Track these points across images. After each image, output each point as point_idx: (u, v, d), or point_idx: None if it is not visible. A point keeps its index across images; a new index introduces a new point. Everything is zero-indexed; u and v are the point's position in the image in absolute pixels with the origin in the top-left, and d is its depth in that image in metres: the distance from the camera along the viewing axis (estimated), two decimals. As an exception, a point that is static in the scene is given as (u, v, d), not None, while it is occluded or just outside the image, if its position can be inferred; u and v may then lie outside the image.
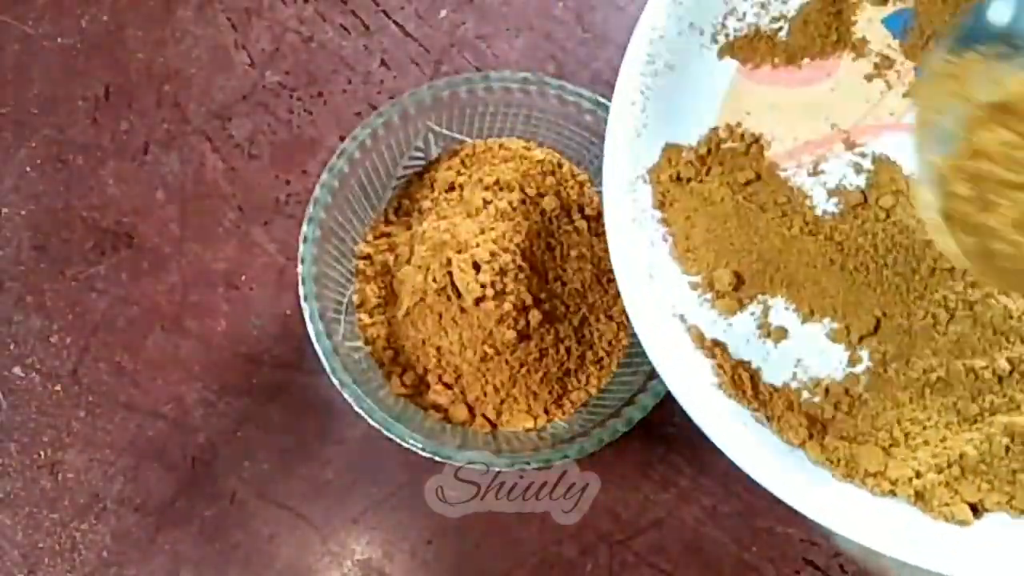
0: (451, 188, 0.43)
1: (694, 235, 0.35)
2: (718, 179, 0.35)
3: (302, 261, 0.40)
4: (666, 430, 0.45)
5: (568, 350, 0.41)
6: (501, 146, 0.44)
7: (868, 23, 0.36)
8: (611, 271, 0.42)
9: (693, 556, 0.44)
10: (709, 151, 0.35)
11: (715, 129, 0.36)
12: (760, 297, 0.34)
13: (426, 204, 0.43)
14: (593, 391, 0.41)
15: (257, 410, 0.46)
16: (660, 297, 0.34)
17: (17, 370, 0.46)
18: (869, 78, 0.35)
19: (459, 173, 0.43)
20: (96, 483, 0.45)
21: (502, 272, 0.39)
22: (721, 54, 0.36)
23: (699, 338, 0.34)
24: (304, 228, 0.40)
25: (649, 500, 0.44)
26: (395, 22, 0.50)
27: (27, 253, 0.48)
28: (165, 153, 0.49)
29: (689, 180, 0.35)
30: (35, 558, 0.44)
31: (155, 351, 0.46)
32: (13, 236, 0.48)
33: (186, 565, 0.44)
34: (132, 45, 0.50)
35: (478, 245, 0.40)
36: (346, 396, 0.38)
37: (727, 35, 0.36)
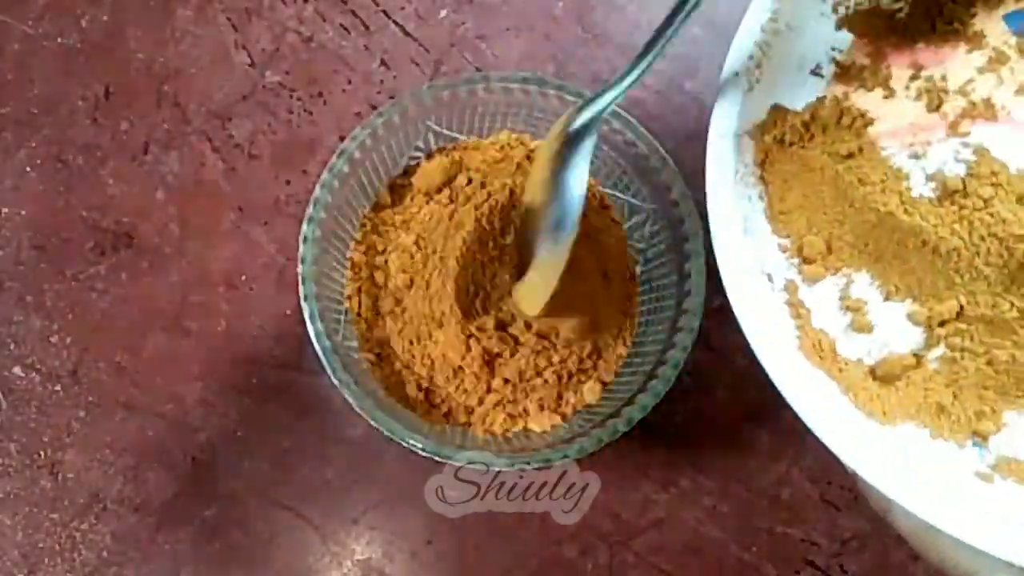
0: (442, 187, 0.43)
1: (789, 198, 0.35)
2: (820, 147, 0.35)
3: (302, 261, 0.40)
4: (666, 430, 0.45)
5: (568, 351, 0.41)
6: (495, 143, 0.44)
7: (987, 17, 0.36)
8: (612, 271, 0.42)
9: (693, 556, 0.44)
10: (814, 118, 0.36)
11: (823, 99, 0.36)
12: (845, 269, 0.35)
13: (414, 207, 0.43)
14: (594, 392, 0.41)
15: (257, 410, 0.46)
16: (751, 252, 0.34)
17: (17, 370, 0.46)
18: (981, 71, 0.35)
19: (451, 170, 0.43)
20: (96, 483, 0.45)
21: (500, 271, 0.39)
22: (839, 25, 0.36)
23: (794, 291, 0.34)
24: (304, 228, 0.40)
25: (649, 500, 0.44)
26: (395, 22, 0.50)
27: (27, 253, 0.48)
28: (165, 153, 0.49)
29: (792, 144, 0.35)
30: (35, 558, 0.44)
31: (155, 351, 0.46)
32: (13, 236, 0.48)
33: (186, 565, 0.44)
34: (132, 45, 0.50)
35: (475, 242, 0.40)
36: (346, 396, 0.38)
37: (847, 7, 0.36)
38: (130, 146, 0.49)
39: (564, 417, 0.41)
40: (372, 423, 0.38)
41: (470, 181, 0.42)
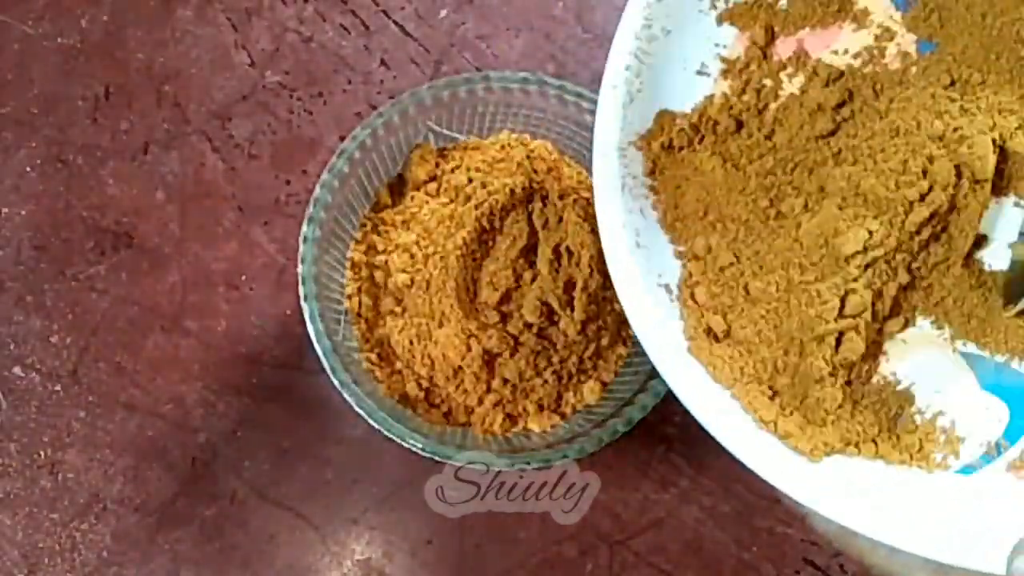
0: (436, 184, 0.43)
1: (683, 204, 0.34)
2: (710, 148, 0.35)
3: (302, 261, 0.40)
4: (666, 430, 0.45)
5: (568, 351, 0.41)
6: (495, 143, 0.44)
7: None
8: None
9: (693, 556, 0.44)
10: (702, 119, 0.35)
11: (710, 97, 0.35)
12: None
13: (413, 206, 0.43)
14: (594, 392, 0.41)
15: (257, 410, 0.46)
16: (646, 266, 0.34)
17: (17, 370, 0.46)
18: (869, 50, 0.35)
19: (447, 171, 0.43)
20: (96, 483, 0.45)
21: (501, 270, 0.39)
22: (719, 21, 0.35)
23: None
24: (304, 228, 0.40)
25: (649, 500, 0.44)
26: (395, 22, 0.50)
27: (27, 253, 0.48)
28: (165, 153, 0.49)
29: (681, 148, 0.35)
30: (35, 558, 0.44)
31: (155, 351, 0.46)
32: (13, 236, 0.48)
33: (186, 565, 0.44)
34: (132, 45, 0.50)
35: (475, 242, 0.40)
36: (346, 396, 0.38)
37: (727, 1, 0.35)
38: (130, 146, 0.49)
39: (564, 417, 0.41)
40: (372, 423, 0.38)
41: (470, 181, 0.42)
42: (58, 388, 0.46)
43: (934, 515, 0.29)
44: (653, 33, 0.34)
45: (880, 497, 0.30)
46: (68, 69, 0.50)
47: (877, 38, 0.35)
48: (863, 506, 0.29)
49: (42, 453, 0.45)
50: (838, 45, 0.35)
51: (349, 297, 0.42)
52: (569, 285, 0.41)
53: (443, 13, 0.50)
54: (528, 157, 0.44)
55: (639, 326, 0.32)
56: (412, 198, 0.43)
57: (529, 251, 0.41)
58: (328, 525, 0.45)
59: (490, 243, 0.41)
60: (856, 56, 0.34)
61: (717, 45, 0.35)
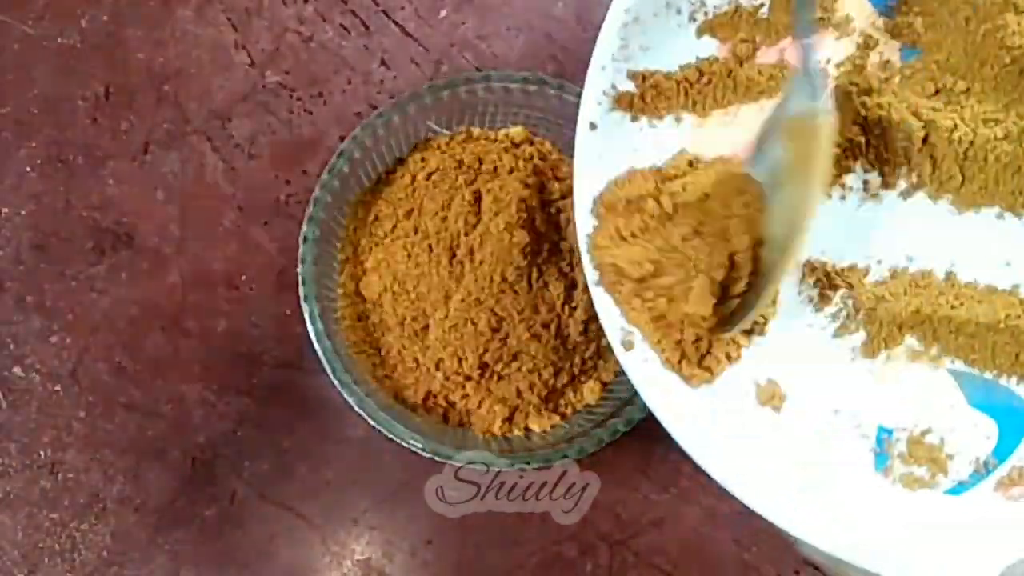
0: (434, 184, 0.43)
1: None
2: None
3: (302, 261, 0.40)
4: (666, 430, 0.45)
5: (570, 351, 0.41)
6: (493, 138, 0.44)
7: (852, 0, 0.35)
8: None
9: (693, 556, 0.44)
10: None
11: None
12: None
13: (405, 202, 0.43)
14: (594, 392, 0.41)
15: (257, 410, 0.46)
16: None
17: (17, 370, 0.46)
18: (852, 58, 0.35)
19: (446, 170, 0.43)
20: (96, 483, 0.45)
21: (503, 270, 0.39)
22: (699, 33, 0.35)
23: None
24: (304, 228, 0.40)
25: (649, 500, 0.44)
26: (395, 22, 0.50)
27: (27, 253, 0.48)
28: (165, 153, 0.49)
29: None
30: (35, 558, 0.44)
31: (155, 351, 0.46)
32: (13, 236, 0.48)
33: (186, 565, 0.44)
34: (132, 45, 0.50)
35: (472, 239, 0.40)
36: (346, 396, 0.38)
37: (706, 13, 0.35)
38: (130, 146, 0.49)
39: (564, 417, 0.41)
40: (372, 423, 0.38)
41: (470, 182, 0.42)
42: (58, 388, 0.46)
43: (922, 538, 0.29)
44: (630, 53, 0.34)
45: (867, 522, 0.30)
46: (68, 69, 0.50)
47: (859, 46, 0.34)
48: (849, 533, 0.29)
49: (42, 453, 0.45)
50: (821, 54, 0.34)
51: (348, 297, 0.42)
52: (570, 285, 0.41)
53: (443, 13, 0.50)
54: (531, 157, 0.44)
55: (625, 360, 0.33)
56: (411, 198, 0.43)
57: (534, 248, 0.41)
58: (328, 525, 0.45)
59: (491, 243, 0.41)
60: (839, 65, 0.34)
61: (699, 58, 0.35)
